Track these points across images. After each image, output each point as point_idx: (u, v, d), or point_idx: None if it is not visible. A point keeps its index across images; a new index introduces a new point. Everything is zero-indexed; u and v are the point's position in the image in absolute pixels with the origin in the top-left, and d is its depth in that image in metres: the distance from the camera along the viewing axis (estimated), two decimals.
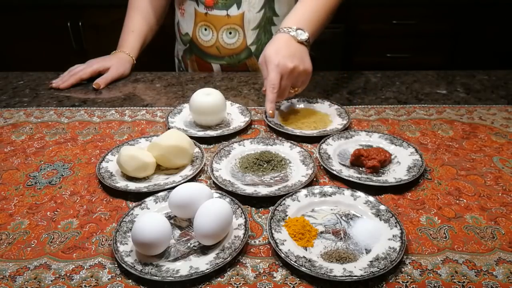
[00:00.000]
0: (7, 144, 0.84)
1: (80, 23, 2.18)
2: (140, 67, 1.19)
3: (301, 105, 0.95)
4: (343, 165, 0.75)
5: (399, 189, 0.69)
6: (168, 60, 1.33)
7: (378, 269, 0.53)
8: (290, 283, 0.53)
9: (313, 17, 0.91)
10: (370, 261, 0.54)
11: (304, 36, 0.86)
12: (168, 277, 0.52)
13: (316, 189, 0.67)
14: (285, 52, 0.83)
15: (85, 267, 0.56)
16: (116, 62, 1.12)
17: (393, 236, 0.58)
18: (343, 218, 0.63)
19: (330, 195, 0.66)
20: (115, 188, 0.68)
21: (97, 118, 0.93)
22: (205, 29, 1.11)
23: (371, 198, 0.65)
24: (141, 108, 0.97)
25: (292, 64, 0.82)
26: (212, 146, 0.83)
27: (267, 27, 1.10)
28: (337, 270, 0.53)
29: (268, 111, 0.83)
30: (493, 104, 0.96)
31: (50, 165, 0.77)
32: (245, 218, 0.61)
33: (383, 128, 0.88)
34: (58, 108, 0.98)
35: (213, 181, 0.70)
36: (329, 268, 0.53)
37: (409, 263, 0.55)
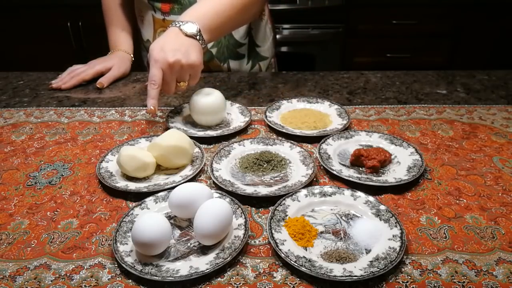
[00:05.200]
0: (7, 144, 0.84)
1: (80, 23, 2.19)
2: (138, 66, 1.19)
3: (301, 105, 0.95)
4: (343, 165, 0.75)
5: (399, 189, 0.69)
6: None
7: (378, 269, 0.53)
8: (290, 283, 0.53)
9: (212, 12, 0.88)
10: (370, 261, 0.54)
11: (192, 29, 0.83)
12: (168, 277, 0.52)
13: (316, 189, 0.67)
14: (169, 47, 0.80)
15: (85, 267, 0.55)
16: (118, 61, 1.13)
17: (393, 236, 0.58)
18: (343, 218, 0.63)
19: (330, 195, 0.66)
20: (115, 188, 0.68)
21: (97, 118, 0.93)
22: None
23: (371, 198, 0.65)
24: (141, 108, 0.97)
25: (173, 59, 0.79)
26: (212, 146, 0.83)
27: None
28: (337, 270, 0.53)
29: (149, 107, 0.81)
30: (493, 104, 0.96)
31: (50, 165, 0.77)
32: (245, 218, 0.61)
33: (383, 128, 0.88)
34: (58, 108, 0.98)
35: (213, 181, 0.70)
36: (329, 268, 0.53)
37: (409, 263, 0.55)
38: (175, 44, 0.81)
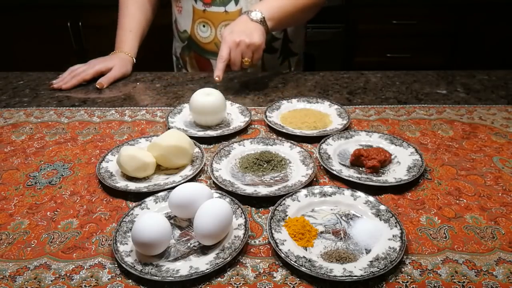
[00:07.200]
0: (7, 144, 0.84)
1: (80, 23, 2.19)
2: (137, 66, 1.19)
3: (301, 105, 0.95)
4: (343, 165, 0.75)
5: (399, 189, 0.69)
6: (165, 59, 1.33)
7: (378, 269, 0.53)
8: (290, 283, 0.53)
9: (276, 6, 1.02)
10: (370, 261, 0.54)
11: (258, 15, 0.98)
12: (168, 277, 0.52)
13: (316, 189, 0.67)
14: (237, 29, 0.96)
15: (85, 267, 0.55)
16: (118, 62, 1.12)
17: (393, 236, 0.58)
18: (343, 218, 0.63)
19: (330, 195, 0.66)
20: (115, 188, 0.68)
21: (97, 118, 0.93)
22: (204, 26, 1.13)
23: (371, 198, 0.65)
24: (141, 108, 0.97)
25: (239, 39, 0.94)
26: (212, 146, 0.83)
27: None
28: (337, 270, 0.53)
29: (215, 77, 0.95)
30: (493, 104, 0.96)
31: (50, 165, 0.77)
32: (245, 218, 0.61)
33: (383, 128, 0.88)
34: (58, 108, 0.98)
35: (213, 181, 0.70)
36: (329, 268, 0.53)
37: (409, 263, 0.55)
38: (242, 27, 0.97)
